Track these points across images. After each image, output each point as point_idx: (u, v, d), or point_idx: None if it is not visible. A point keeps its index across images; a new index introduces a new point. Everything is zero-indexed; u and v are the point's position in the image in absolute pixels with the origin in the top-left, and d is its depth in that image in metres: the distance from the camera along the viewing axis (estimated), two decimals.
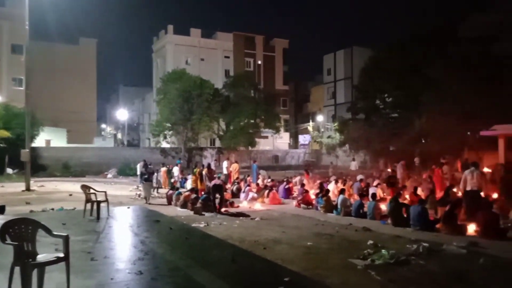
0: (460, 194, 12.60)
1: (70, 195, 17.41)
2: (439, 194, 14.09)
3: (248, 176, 22.32)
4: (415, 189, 13.83)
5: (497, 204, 11.15)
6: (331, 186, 16.13)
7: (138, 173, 24.39)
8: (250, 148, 40.67)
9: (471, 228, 9.62)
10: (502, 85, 16.57)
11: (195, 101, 35.52)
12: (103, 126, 77.29)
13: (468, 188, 11.59)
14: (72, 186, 18.59)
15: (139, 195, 17.60)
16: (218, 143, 43.45)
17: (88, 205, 11.61)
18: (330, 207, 13.31)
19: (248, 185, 17.91)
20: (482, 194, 11.74)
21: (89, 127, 51.68)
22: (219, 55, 53.93)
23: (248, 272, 6.60)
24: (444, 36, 21.95)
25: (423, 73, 21.78)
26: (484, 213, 9.46)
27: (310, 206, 14.42)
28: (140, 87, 71.83)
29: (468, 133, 21.24)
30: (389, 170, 18.09)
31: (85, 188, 11.89)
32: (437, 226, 10.05)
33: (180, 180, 22.11)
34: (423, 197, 12.41)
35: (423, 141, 23.70)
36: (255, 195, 16.62)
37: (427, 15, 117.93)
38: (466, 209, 11.42)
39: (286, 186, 17.84)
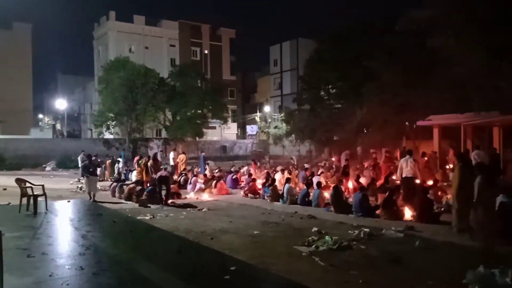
0: (398, 181, 13.24)
1: (4, 189, 16.37)
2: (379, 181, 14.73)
3: (196, 167, 22.14)
4: (358, 177, 14.37)
5: (431, 190, 11.83)
6: (278, 176, 16.37)
7: (80, 165, 23.38)
8: (197, 138, 40.28)
9: (408, 213, 10.17)
10: (434, 77, 17.55)
11: (140, 90, 34.50)
12: (41, 116, 73.08)
13: (404, 176, 12.25)
14: (7, 180, 17.46)
15: (81, 188, 16.91)
16: (164, 134, 42.62)
17: (24, 200, 10.97)
18: (276, 196, 13.52)
19: (195, 176, 17.78)
20: (417, 181, 12.43)
21: (24, 118, 48.71)
22: (164, 44, 52.65)
23: (194, 262, 6.57)
24: (383, 29, 22.77)
25: (364, 65, 22.54)
26: (419, 198, 10.03)
27: (257, 196, 14.57)
28: (80, 76, 68.48)
29: (406, 123, 22.33)
30: (345, 159, 18.60)
31: (20, 181, 11.22)
32: (377, 212, 10.53)
33: (125, 172, 21.49)
34: (364, 184, 12.91)
35: (365, 131, 24.60)
36: (203, 186, 16.54)
37: (368, 9, 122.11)
38: (403, 195, 12.07)
39: (234, 177, 17.89)
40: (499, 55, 11.64)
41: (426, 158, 16.79)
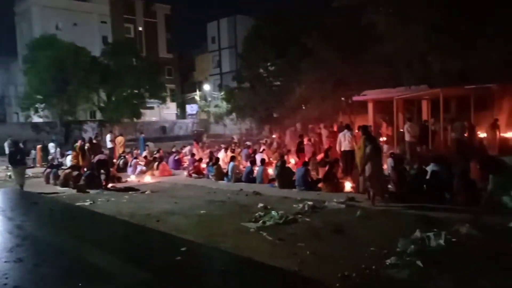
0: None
1: None
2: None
3: (135, 149, 21.51)
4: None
5: None
6: (221, 155, 16.37)
7: (7, 152, 21.80)
8: (135, 119, 38.97)
9: (348, 185, 10.64)
10: (368, 54, 18.23)
11: (70, 70, 32.46)
12: None
13: (343, 149, 12.75)
14: None
15: (10, 176, 15.84)
16: (99, 116, 40.75)
17: None
18: (221, 174, 13.55)
19: (136, 158, 17.29)
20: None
21: None
22: (95, 20, 49.74)
23: (142, 246, 6.43)
24: (320, 5, 23.14)
25: (301, 42, 22.87)
26: (357, 170, 10.49)
27: (201, 175, 14.51)
28: (2, 56, 63.22)
29: (342, 98, 23.10)
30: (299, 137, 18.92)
31: None
32: (319, 185, 10.91)
33: (58, 157, 20.40)
34: (306, 159, 13.28)
35: (303, 107, 25.14)
36: (144, 168, 16.14)
37: None
38: (343, 168, 12.58)
39: (176, 157, 17.63)
40: (426, 32, 12.24)
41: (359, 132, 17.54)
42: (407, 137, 14.43)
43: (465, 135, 14.38)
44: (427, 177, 8.88)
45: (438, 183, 8.55)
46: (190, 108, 51.91)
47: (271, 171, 13.15)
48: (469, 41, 11.14)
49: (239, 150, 18.45)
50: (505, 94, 14.65)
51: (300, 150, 14.86)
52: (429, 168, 9.13)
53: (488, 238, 5.72)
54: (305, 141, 18.58)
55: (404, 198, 8.83)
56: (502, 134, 14.26)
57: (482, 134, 14.70)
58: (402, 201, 8.64)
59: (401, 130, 16.87)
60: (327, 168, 11.23)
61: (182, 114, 56.12)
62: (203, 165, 15.18)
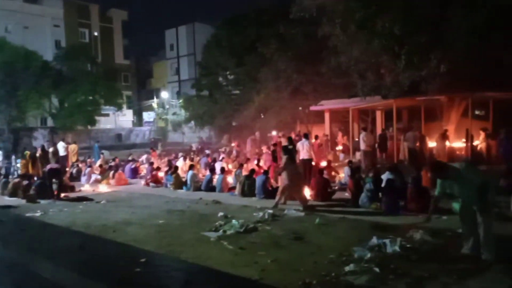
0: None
1: None
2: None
3: (89, 157, 20.83)
4: (258, 160, 14.82)
5: (326, 170, 12.70)
6: (180, 163, 16.17)
7: None
8: (89, 127, 37.76)
9: (307, 193, 10.80)
10: (324, 64, 18.71)
11: (20, 74, 31.03)
12: None
13: (301, 158, 12.98)
14: None
15: None
16: (51, 123, 39.13)
17: None
18: (179, 183, 13.37)
19: (90, 167, 16.75)
20: (313, 162, 13.25)
21: None
22: (48, 24, 47.90)
23: (99, 258, 6.25)
24: (277, 16, 23.49)
25: (259, 52, 23.13)
26: (316, 179, 10.71)
27: (159, 184, 14.26)
28: None
29: (300, 108, 23.53)
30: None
31: None
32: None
33: (6, 166, 19.37)
34: (265, 168, 13.37)
35: (262, 116, 25.37)
36: (99, 177, 15.67)
37: None
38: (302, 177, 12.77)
39: (133, 166, 17.23)
40: (381, 44, 12.67)
41: (319, 141, 17.94)
42: (362, 146, 14.88)
43: (417, 144, 15.01)
44: (382, 185, 9.20)
45: (392, 190, 8.87)
46: (148, 116, 50.98)
47: (230, 179, 13.13)
48: (421, 53, 11.66)
49: (198, 158, 18.30)
50: (453, 106, 15.46)
51: (274, 160, 14.71)
52: (384, 176, 9.47)
53: (440, 243, 5.99)
54: (264, 149, 18.76)
55: (360, 205, 9.13)
56: (451, 144, 15.01)
57: (432, 144, 15.40)
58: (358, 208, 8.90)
59: (357, 139, 17.41)
60: None
61: (139, 121, 54.97)
62: (161, 174, 14.92)
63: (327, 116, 21.58)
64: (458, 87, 13.59)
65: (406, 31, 10.59)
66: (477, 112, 18.00)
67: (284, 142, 18.24)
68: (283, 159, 9.84)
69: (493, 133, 14.95)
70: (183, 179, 13.48)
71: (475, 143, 15.06)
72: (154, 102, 50.08)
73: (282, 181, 9.83)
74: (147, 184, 14.45)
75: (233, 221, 7.95)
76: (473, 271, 4.94)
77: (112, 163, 17.49)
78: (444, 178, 5.19)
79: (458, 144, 15.41)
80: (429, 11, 10.28)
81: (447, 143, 14.70)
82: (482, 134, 14.93)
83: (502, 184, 9.23)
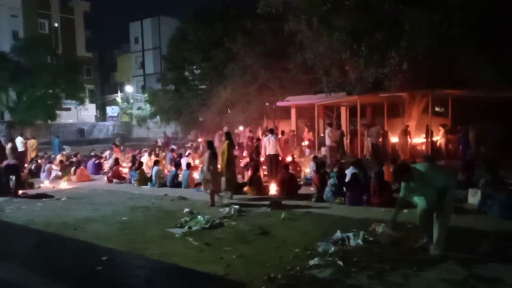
0: (262, 158, 14.00)
1: None
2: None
3: (50, 153, 20.13)
4: None
5: (291, 166, 12.80)
6: (145, 159, 15.89)
7: None
8: (49, 121, 36.47)
9: (273, 188, 10.87)
10: (290, 60, 18.85)
11: None
12: None
13: (268, 153, 13.03)
14: None
15: None
16: (8, 117, 37.51)
17: None
18: (144, 179, 13.14)
19: (50, 163, 16.18)
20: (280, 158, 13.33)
21: None
22: (4, 14, 45.77)
23: (58, 256, 6.05)
24: (244, 11, 23.42)
25: (226, 47, 23.02)
26: (282, 174, 10.79)
27: (123, 181, 13.96)
28: None
29: (267, 103, 23.62)
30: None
31: None
32: (245, 189, 11.01)
33: None
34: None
35: (229, 111, 25.28)
36: (59, 173, 15.17)
37: None
38: (268, 171, 12.85)
39: (96, 161, 16.77)
40: (344, 41, 12.82)
41: (285, 136, 18.09)
42: (327, 142, 15.10)
43: (380, 140, 15.38)
44: (347, 179, 9.37)
45: (356, 185, 9.06)
46: (111, 110, 49.78)
47: (196, 175, 13.02)
48: (381, 51, 11.89)
49: (163, 154, 18.03)
50: (414, 102, 15.92)
51: (257, 154, 14.58)
52: (348, 171, 9.64)
53: (400, 236, 6.15)
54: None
55: (325, 200, 9.28)
56: (412, 140, 15.48)
57: (394, 139, 15.84)
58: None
59: (322, 135, 17.66)
60: (251, 171, 11.36)
61: (102, 116, 53.58)
62: (125, 170, 14.61)
63: (293, 111, 21.77)
64: (419, 85, 14.02)
65: (363, 28, 10.76)
66: (437, 109, 18.65)
67: (252, 138, 18.41)
68: (206, 154, 10.05)
69: (452, 129, 15.53)
70: (148, 175, 13.26)
71: (435, 138, 15.60)
72: (118, 97, 48.94)
73: (205, 176, 9.74)
74: (110, 180, 14.11)
75: (199, 217, 7.88)
76: (431, 263, 5.12)
77: (74, 159, 16.97)
78: (408, 181, 5.27)
79: (419, 139, 15.91)
80: (386, 9, 10.48)
81: (409, 139, 15.16)
82: (442, 130, 15.49)
83: (460, 179, 9.60)
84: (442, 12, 8.88)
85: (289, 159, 14.31)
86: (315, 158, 12.83)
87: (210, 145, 10.21)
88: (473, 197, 8.34)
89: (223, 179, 10.01)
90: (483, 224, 6.94)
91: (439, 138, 15.59)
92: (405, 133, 15.13)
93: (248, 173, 11.92)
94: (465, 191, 8.65)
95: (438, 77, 13.39)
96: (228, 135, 10.97)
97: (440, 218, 5.29)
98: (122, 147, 23.24)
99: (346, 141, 17.64)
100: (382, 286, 4.56)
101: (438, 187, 5.15)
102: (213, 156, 9.79)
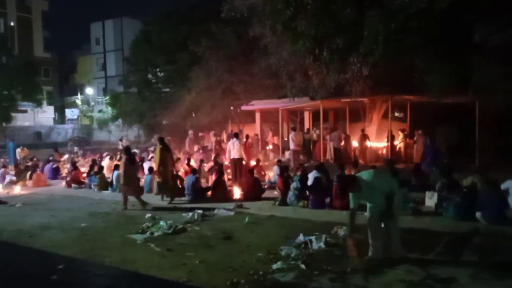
0: (227, 162, 13.97)
1: None
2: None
3: (4, 157, 19.27)
4: (189, 160, 14.61)
5: (256, 169, 12.83)
6: (105, 163, 15.47)
7: None
8: (4, 124, 34.86)
9: (237, 192, 10.84)
10: (254, 65, 18.93)
11: None
12: None
13: (232, 157, 13.01)
14: None
15: None
16: None
17: None
18: (105, 184, 12.79)
19: (4, 167, 15.47)
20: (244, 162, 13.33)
21: None
22: None
23: (11, 265, 5.77)
24: (208, 14, 23.31)
25: (191, 50, 22.84)
26: (246, 178, 10.79)
27: (83, 185, 13.54)
28: None
29: (231, 107, 23.57)
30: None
31: None
32: (209, 193, 10.93)
33: None
34: (196, 167, 13.21)
35: (194, 115, 25.04)
36: (14, 178, 14.54)
37: None
38: (232, 175, 12.82)
39: (54, 166, 16.18)
40: (304, 46, 12.93)
41: (250, 140, 18.10)
42: (291, 146, 15.24)
43: (342, 144, 15.68)
44: (309, 183, 9.48)
45: (319, 189, 9.18)
46: (71, 113, 48.20)
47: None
48: (343, 56, 12.09)
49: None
50: (374, 108, 16.35)
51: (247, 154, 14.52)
52: (311, 175, 9.76)
53: (361, 238, 6.27)
54: (195, 148, 18.57)
55: (289, 203, 9.36)
56: (371, 144, 15.87)
57: (355, 144, 16.20)
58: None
59: (286, 139, 17.82)
60: (215, 175, 11.30)
61: (61, 119, 51.78)
62: (84, 174, 14.17)
63: (258, 116, 21.85)
64: (380, 90, 14.40)
65: (325, 33, 10.89)
66: (396, 114, 19.24)
67: (221, 141, 18.32)
68: (123, 159, 10.29)
69: (410, 134, 16.05)
70: (109, 180, 12.91)
71: (395, 143, 16.08)
72: (78, 99, 47.46)
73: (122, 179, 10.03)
74: (69, 185, 13.65)
75: (161, 222, 7.75)
76: (391, 264, 5.24)
77: (30, 163, 16.30)
78: (354, 191, 5.36)
79: (380, 144, 16.33)
80: (347, 14, 10.66)
81: (368, 143, 15.55)
82: (401, 135, 15.97)
83: (414, 183, 9.92)
84: (399, 19, 9.14)
85: (253, 163, 14.33)
86: (279, 162, 12.92)
87: (126, 151, 10.61)
88: (430, 200, 8.63)
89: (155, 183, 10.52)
90: (439, 225, 7.20)
91: (398, 142, 16.08)
92: (364, 137, 15.52)
93: (212, 177, 11.86)
94: (421, 194, 8.96)
95: (398, 83, 13.80)
96: (161, 140, 11.32)
97: (391, 223, 5.37)
98: (79, 152, 22.55)
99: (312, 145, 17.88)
100: None
101: (385, 192, 5.25)
102: (130, 161, 10.00)
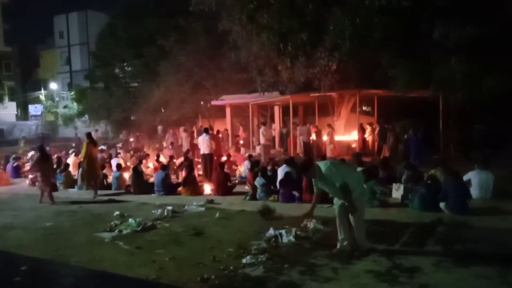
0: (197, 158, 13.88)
1: None
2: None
3: None
4: (158, 156, 14.42)
5: (226, 165, 12.80)
6: (71, 160, 15.05)
7: None
8: None
9: (208, 188, 10.79)
10: (224, 59, 18.82)
11: None
12: None
13: (202, 152, 12.93)
14: None
15: None
16: None
17: None
18: (71, 182, 12.46)
19: None
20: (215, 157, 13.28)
21: None
22: None
23: None
24: (177, 8, 22.94)
25: (159, 44, 22.48)
26: (217, 173, 10.74)
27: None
28: None
29: (201, 102, 23.39)
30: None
31: None
32: (179, 189, 10.83)
33: None
34: (165, 163, 13.06)
35: (163, 110, 24.69)
36: None
37: None
38: (202, 171, 12.75)
39: (15, 164, 15.60)
40: (269, 40, 12.93)
41: (220, 135, 18.03)
42: (262, 140, 15.29)
43: (311, 138, 15.86)
44: (280, 177, 9.54)
45: (289, 183, 9.26)
46: (34, 109, 46.56)
47: (127, 176, 12.57)
48: (309, 51, 12.15)
49: None
50: (343, 102, 16.60)
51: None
52: (281, 169, 9.83)
53: (331, 231, 6.37)
54: (165, 144, 18.36)
55: (259, 198, 9.40)
56: (340, 138, 16.13)
57: (325, 137, 16.43)
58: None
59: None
60: (185, 171, 11.20)
61: (24, 115, 49.95)
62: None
63: (228, 110, 21.77)
64: (348, 85, 14.63)
65: (289, 27, 10.91)
66: (364, 108, 19.61)
67: (184, 137, 18.16)
68: (34, 157, 11.16)
69: (381, 128, 16.38)
70: (75, 177, 12.59)
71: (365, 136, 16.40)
72: (42, 94, 45.91)
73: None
74: (33, 183, 13.19)
75: (130, 219, 7.62)
76: (358, 256, 5.36)
77: None
78: (312, 177, 5.41)
79: (348, 137, 16.61)
80: (311, 9, 10.69)
81: (336, 137, 15.82)
82: (369, 128, 16.31)
83: (382, 175, 10.15)
84: (363, 14, 9.26)
85: (224, 158, 14.29)
86: (249, 156, 12.93)
87: (88, 136, 11.38)
88: (397, 192, 8.86)
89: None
90: (405, 216, 7.40)
91: (366, 136, 16.40)
92: (331, 131, 15.79)
93: (183, 173, 11.75)
94: (388, 186, 9.19)
95: (365, 77, 14.06)
96: (89, 135, 11.59)
97: (354, 215, 5.37)
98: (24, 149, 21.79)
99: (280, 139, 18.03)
100: (313, 281, 4.69)
101: (337, 184, 5.24)
102: (43, 158, 10.29)
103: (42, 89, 46.98)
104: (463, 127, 14.16)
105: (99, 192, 11.12)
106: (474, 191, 8.15)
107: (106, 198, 10.46)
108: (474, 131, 14.92)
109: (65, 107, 39.15)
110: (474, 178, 8.47)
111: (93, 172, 11.21)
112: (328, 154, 14.93)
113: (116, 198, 10.40)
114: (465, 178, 8.44)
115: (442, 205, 7.49)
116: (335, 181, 5.26)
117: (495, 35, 7.87)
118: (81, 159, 11.54)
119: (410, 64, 9.83)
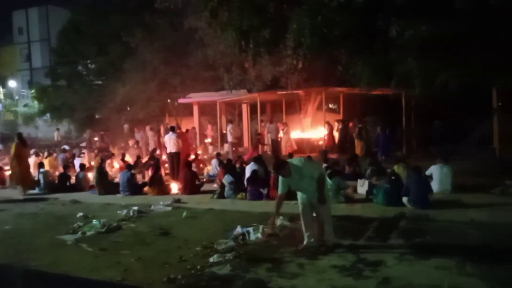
0: (164, 157, 13.69)
1: None
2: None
3: None
4: (123, 155, 14.13)
5: (194, 163, 12.69)
6: (31, 160, 14.50)
7: None
8: None
9: (175, 187, 10.67)
10: (191, 57, 18.66)
11: None
12: None
13: (169, 151, 12.77)
14: None
15: None
16: None
17: None
18: (31, 183, 12.00)
19: None
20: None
21: None
22: None
23: None
24: (142, 4, 22.53)
25: (124, 41, 22.05)
26: (184, 172, 10.64)
27: (5, 186, 12.63)
28: None
29: (168, 100, 23.10)
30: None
31: None
32: (145, 189, 10.65)
33: None
34: (131, 163, 12.81)
35: (129, 108, 24.22)
36: None
37: None
38: (169, 170, 12.60)
39: None
40: (236, 37, 12.89)
41: (187, 133, 17.85)
42: (229, 138, 15.27)
43: (279, 135, 15.96)
44: (247, 175, 9.55)
45: (256, 180, 9.29)
46: None
47: (91, 176, 12.25)
48: (270, 49, 12.18)
49: (55, 154, 16.65)
50: (309, 99, 16.81)
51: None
52: (249, 167, 9.84)
53: (297, 227, 6.43)
54: (131, 143, 17.98)
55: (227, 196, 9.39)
56: (307, 135, 16.32)
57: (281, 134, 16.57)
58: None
59: (225, 131, 17.81)
60: (151, 170, 11.03)
61: None
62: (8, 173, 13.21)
63: (195, 108, 21.62)
64: (314, 83, 14.81)
65: (250, 25, 10.90)
66: (331, 105, 19.91)
67: (150, 135, 17.88)
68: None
69: (346, 125, 16.68)
70: (36, 179, 12.14)
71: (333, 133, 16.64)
72: (0, 93, 44.05)
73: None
74: None
75: (94, 221, 7.43)
76: (324, 251, 5.44)
77: None
78: (285, 176, 5.46)
79: (314, 134, 16.83)
80: (271, 7, 10.71)
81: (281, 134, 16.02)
82: (336, 125, 16.58)
83: (348, 171, 10.35)
84: (323, 12, 9.36)
85: (192, 157, 14.16)
86: (218, 155, 12.88)
87: (19, 136, 11.80)
88: (362, 187, 9.06)
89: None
90: (370, 211, 7.58)
91: (334, 132, 16.65)
92: (301, 128, 15.97)
93: (149, 173, 11.57)
94: (354, 182, 9.37)
95: (331, 75, 14.25)
96: (19, 135, 12.04)
97: (322, 211, 5.50)
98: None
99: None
100: (280, 278, 4.72)
101: (315, 177, 5.39)
102: (23, 146, 11.23)
103: (1, 87, 45.01)
104: (424, 123, 14.63)
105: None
106: (435, 185, 8.44)
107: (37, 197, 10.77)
108: (434, 127, 15.45)
109: (25, 105, 37.76)
110: (435, 172, 8.77)
111: (23, 172, 11.32)
112: (288, 150, 15.09)
113: (81, 199, 10.10)
114: (427, 172, 8.74)
115: (405, 199, 7.71)
116: (313, 173, 5.41)
117: (448, 32, 8.13)
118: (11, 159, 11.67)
119: (370, 61, 10.03)
